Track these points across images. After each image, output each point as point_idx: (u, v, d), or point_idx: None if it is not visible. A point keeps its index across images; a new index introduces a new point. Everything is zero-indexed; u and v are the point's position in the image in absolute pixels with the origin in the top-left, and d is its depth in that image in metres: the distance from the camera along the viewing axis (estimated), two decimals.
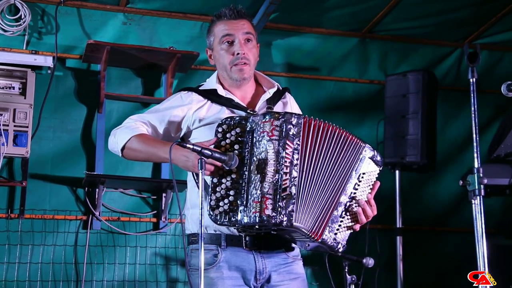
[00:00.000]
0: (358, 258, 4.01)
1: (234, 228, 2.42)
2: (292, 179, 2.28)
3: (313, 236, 2.33)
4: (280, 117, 2.31)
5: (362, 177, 2.42)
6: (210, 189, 2.35)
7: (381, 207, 4.86)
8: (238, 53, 2.56)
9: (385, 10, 4.92)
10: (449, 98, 5.45)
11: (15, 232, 4.33)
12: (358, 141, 2.42)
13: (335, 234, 2.37)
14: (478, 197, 2.54)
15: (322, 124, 2.36)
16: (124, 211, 4.60)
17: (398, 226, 4.70)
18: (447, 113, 5.40)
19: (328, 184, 2.36)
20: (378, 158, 2.47)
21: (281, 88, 2.72)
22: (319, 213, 2.34)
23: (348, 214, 2.41)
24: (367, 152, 2.44)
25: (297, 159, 2.30)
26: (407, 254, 4.72)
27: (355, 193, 2.41)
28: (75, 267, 4.42)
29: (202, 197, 2.25)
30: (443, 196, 5.34)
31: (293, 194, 2.27)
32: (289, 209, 2.25)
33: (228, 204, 2.31)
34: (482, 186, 2.55)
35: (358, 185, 2.41)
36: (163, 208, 4.61)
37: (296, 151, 2.30)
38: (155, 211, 4.66)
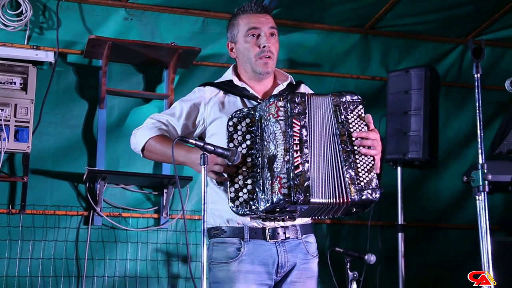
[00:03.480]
0: (360, 254, 4.01)
1: (256, 217, 2.42)
2: (304, 156, 2.29)
3: (340, 201, 2.30)
4: (283, 98, 2.36)
5: (348, 122, 2.39)
6: (228, 182, 2.37)
7: (382, 203, 4.89)
8: (264, 46, 2.60)
9: (387, 6, 4.90)
10: (451, 94, 5.44)
11: (16, 227, 4.32)
12: (322, 96, 2.41)
13: (360, 186, 2.31)
14: (482, 193, 2.53)
15: (320, 98, 2.40)
16: (125, 206, 4.59)
17: (399, 222, 4.69)
18: (449, 109, 5.39)
19: (332, 149, 2.35)
20: (351, 97, 2.42)
21: (294, 82, 2.76)
22: (338, 179, 2.32)
23: (359, 161, 2.35)
24: (337, 99, 2.41)
25: (306, 136, 2.32)
26: (408, 250, 4.71)
27: (350, 138, 2.37)
28: (76, 263, 4.41)
29: (205, 192, 2.26)
30: (445, 193, 5.33)
31: (306, 170, 2.27)
32: (305, 185, 2.26)
33: (247, 193, 2.34)
34: (486, 182, 2.54)
35: (349, 131, 2.37)
36: (164, 204, 4.60)
37: (304, 128, 2.32)
38: (157, 207, 4.66)
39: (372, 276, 4.59)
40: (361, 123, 2.40)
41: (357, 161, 2.35)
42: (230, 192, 2.36)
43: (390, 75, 4.79)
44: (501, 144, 4.43)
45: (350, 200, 2.30)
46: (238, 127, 2.41)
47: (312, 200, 2.27)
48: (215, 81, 2.74)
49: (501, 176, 4.28)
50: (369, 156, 2.36)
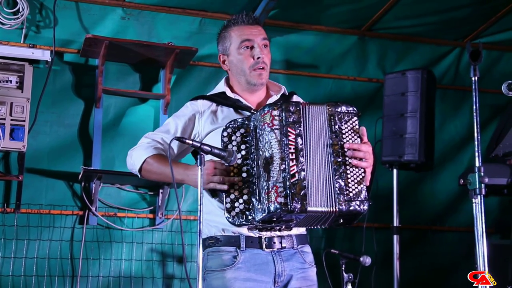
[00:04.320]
0: (355, 256, 4.01)
1: (253, 227, 2.41)
2: (300, 164, 2.29)
3: (330, 210, 2.30)
4: (278, 107, 2.35)
5: (341, 132, 2.38)
6: (224, 193, 2.36)
7: (378, 205, 4.87)
8: (259, 57, 2.60)
9: (384, 8, 4.91)
10: (448, 97, 5.45)
11: (11, 226, 4.31)
12: (318, 105, 2.40)
13: (349, 197, 2.31)
14: (478, 196, 2.53)
15: (315, 107, 2.39)
16: (120, 206, 4.58)
17: (395, 224, 4.68)
18: (445, 112, 5.40)
19: (325, 158, 2.34)
20: (346, 108, 2.42)
21: (287, 93, 2.76)
22: (330, 188, 2.32)
23: (349, 172, 2.35)
24: (333, 109, 2.40)
25: (301, 144, 2.31)
26: (403, 252, 4.71)
27: (343, 148, 2.36)
28: (71, 263, 4.40)
29: (201, 193, 2.26)
30: (441, 195, 5.34)
31: (302, 179, 2.27)
32: (302, 193, 2.26)
33: (243, 204, 2.33)
34: (483, 185, 2.54)
35: (342, 141, 2.37)
36: (159, 204, 4.59)
37: (299, 137, 2.32)
38: (152, 207, 4.65)
39: (367, 278, 4.59)
40: (355, 135, 2.40)
41: (348, 171, 2.34)
42: (226, 203, 2.35)
43: (386, 77, 4.79)
44: (497, 147, 4.44)
45: (338, 210, 2.30)
46: (233, 138, 2.40)
47: (309, 208, 2.26)
48: (207, 94, 2.73)
49: (497, 179, 4.28)
50: (360, 168, 2.36)
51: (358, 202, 2.32)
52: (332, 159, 2.34)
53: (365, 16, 5.08)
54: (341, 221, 2.40)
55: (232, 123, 2.43)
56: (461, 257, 5.17)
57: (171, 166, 2.32)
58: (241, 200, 2.34)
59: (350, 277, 3.85)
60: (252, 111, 2.59)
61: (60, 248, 4.39)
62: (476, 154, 2.63)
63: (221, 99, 2.65)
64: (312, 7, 4.88)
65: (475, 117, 2.64)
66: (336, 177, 2.32)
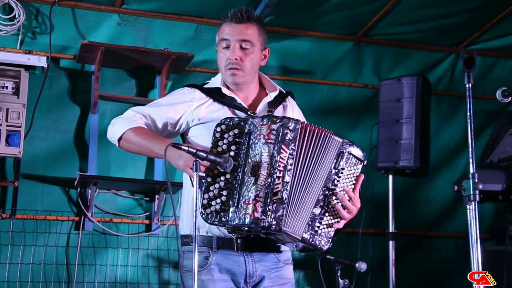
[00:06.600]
0: (351, 262, 4.02)
1: (225, 229, 2.42)
2: (285, 184, 2.29)
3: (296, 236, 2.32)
4: (278, 121, 2.32)
5: (342, 173, 2.39)
6: (203, 188, 2.35)
7: (374, 211, 4.87)
8: (230, 58, 2.57)
9: (380, 15, 4.92)
10: (443, 103, 5.47)
11: (6, 232, 4.31)
12: (335, 137, 2.40)
13: (316, 231, 2.35)
14: (473, 203, 2.54)
15: (316, 130, 2.37)
16: (116, 212, 4.58)
17: (390, 230, 4.69)
18: (441, 118, 5.42)
19: (314, 187, 2.36)
20: (358, 152, 2.44)
21: (284, 92, 2.74)
22: (306, 216, 2.34)
23: (329, 211, 2.38)
24: (346, 147, 2.41)
25: (291, 164, 2.31)
26: (399, 258, 4.71)
27: (334, 189, 2.38)
28: (67, 268, 4.40)
29: (196, 199, 2.25)
30: (436, 201, 5.35)
31: (284, 198, 2.28)
32: (279, 213, 2.26)
33: (220, 204, 2.32)
34: (477, 191, 2.55)
35: (338, 181, 2.38)
36: (155, 210, 4.59)
37: (291, 156, 2.31)
38: (148, 213, 4.65)
39: (363, 284, 4.59)
40: (352, 181, 2.43)
41: (328, 209, 2.38)
42: (203, 199, 2.34)
43: (382, 83, 4.81)
44: (492, 153, 4.47)
45: (301, 237, 2.32)
46: (225, 135, 2.37)
47: (283, 229, 2.27)
48: (205, 86, 2.69)
49: (492, 185, 4.30)
50: (337, 214, 2.39)
51: (321, 240, 2.36)
52: (321, 191, 2.36)
53: (360, 22, 5.10)
54: (298, 245, 2.44)
55: (228, 120, 2.39)
56: (456, 263, 5.18)
57: (165, 164, 2.31)
58: (218, 200, 2.32)
59: (345, 283, 3.86)
60: (249, 113, 2.55)
61: (55, 254, 4.39)
62: (470, 160, 2.64)
63: (217, 96, 2.61)
64: (307, 13, 4.89)
65: (469, 124, 2.65)
66: (315, 208, 2.35)
